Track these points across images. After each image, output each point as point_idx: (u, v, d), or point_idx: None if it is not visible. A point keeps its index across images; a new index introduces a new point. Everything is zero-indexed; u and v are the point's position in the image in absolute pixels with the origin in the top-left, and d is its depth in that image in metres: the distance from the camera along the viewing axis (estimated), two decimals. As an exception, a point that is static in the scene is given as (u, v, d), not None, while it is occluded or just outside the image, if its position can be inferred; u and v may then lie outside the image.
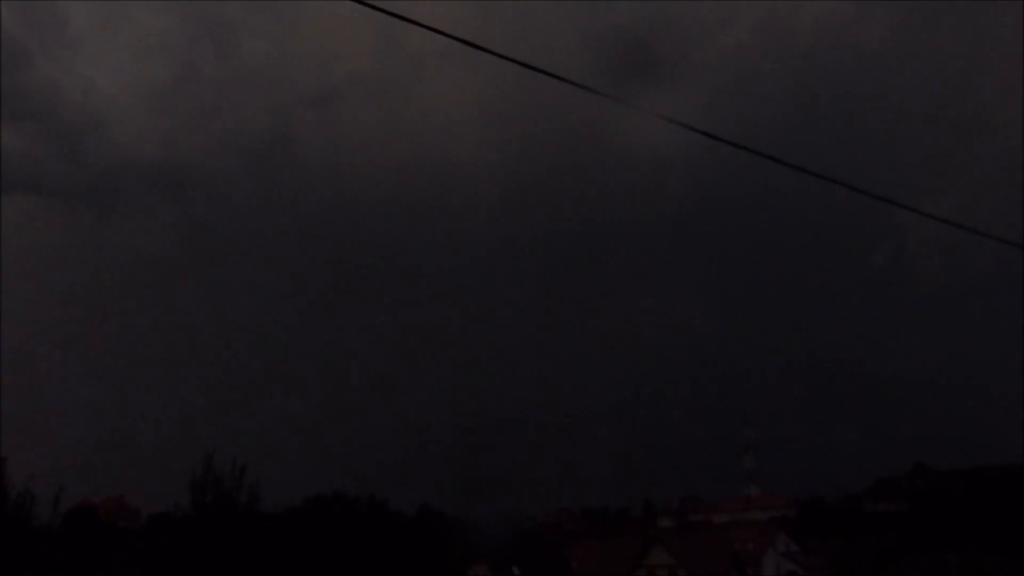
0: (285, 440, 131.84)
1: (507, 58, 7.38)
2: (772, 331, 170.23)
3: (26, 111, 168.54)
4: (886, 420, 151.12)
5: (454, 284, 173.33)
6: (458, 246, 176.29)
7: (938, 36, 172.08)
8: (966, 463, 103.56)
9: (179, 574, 36.31)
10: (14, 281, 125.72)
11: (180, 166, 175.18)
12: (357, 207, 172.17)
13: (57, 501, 35.30)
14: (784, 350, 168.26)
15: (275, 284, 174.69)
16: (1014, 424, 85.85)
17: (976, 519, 79.37)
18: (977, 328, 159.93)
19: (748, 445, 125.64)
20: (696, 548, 70.93)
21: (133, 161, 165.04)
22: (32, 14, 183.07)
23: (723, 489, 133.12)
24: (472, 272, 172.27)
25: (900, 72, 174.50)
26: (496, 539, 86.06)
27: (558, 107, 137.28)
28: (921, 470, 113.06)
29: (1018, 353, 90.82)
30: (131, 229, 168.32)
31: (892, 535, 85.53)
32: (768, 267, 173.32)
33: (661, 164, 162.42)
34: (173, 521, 42.40)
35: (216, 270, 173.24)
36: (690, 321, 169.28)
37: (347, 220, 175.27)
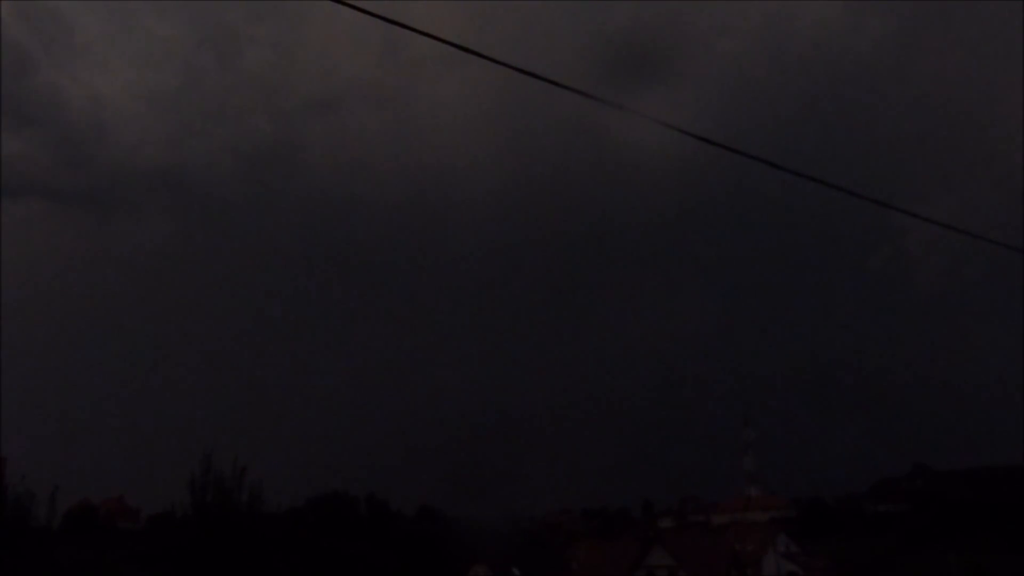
0: (285, 440, 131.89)
1: (506, 64, 7.39)
2: (773, 332, 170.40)
3: (31, 116, 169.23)
4: (886, 421, 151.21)
5: (455, 285, 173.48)
6: (459, 247, 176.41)
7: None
8: (966, 464, 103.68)
9: (179, 574, 36.33)
10: (15, 282, 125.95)
11: (182, 170, 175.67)
12: (358, 208, 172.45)
13: (53, 500, 35.30)
14: (785, 351, 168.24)
15: (275, 285, 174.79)
16: (1014, 425, 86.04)
17: (976, 519, 79.34)
18: (977, 329, 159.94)
19: (748, 445, 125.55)
20: (696, 548, 70.87)
21: (136, 165, 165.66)
22: (38, 21, 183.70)
23: (723, 489, 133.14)
24: (473, 273, 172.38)
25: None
26: (496, 539, 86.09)
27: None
28: (921, 471, 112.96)
29: (1018, 354, 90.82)
30: (132, 231, 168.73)
31: (892, 535, 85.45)
32: (769, 268, 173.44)
33: (662, 166, 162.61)
34: (173, 521, 42.41)
35: (217, 271, 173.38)
36: (691, 322, 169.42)
37: (348, 221, 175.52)
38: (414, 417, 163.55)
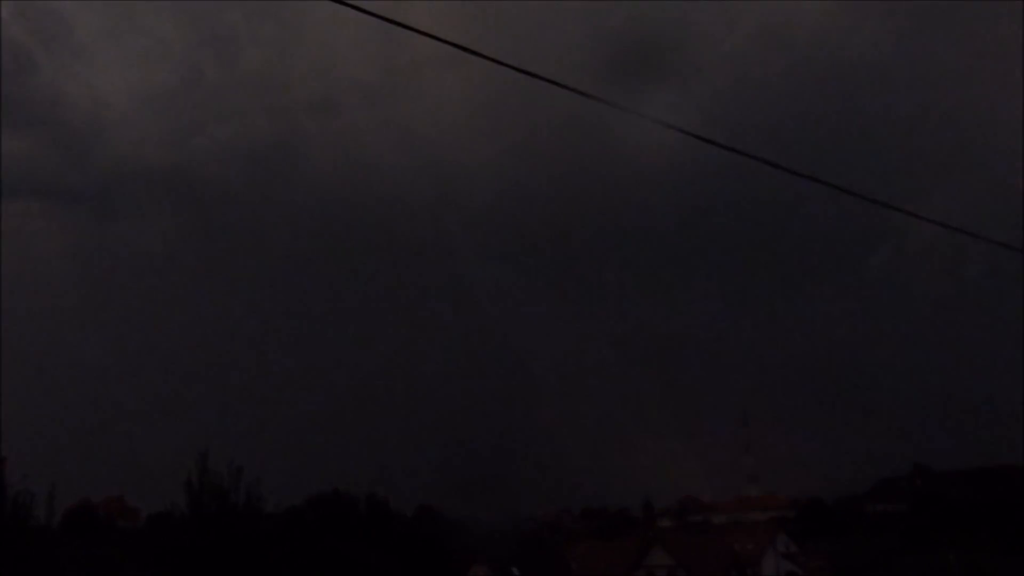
0: (285, 440, 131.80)
1: (507, 64, 7.37)
2: (772, 331, 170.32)
3: (31, 116, 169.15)
4: (886, 420, 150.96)
5: (454, 284, 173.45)
6: (458, 246, 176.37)
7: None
8: (966, 463, 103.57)
9: (179, 574, 36.37)
10: (15, 282, 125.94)
11: (181, 170, 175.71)
12: (358, 209, 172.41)
13: (51, 500, 35.32)
14: (784, 350, 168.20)
15: (276, 284, 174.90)
16: (1014, 424, 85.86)
17: (976, 519, 79.36)
18: (977, 329, 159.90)
19: (748, 445, 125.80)
20: (696, 548, 71.10)
21: (135, 165, 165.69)
22: (38, 21, 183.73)
23: (723, 489, 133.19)
24: (472, 272, 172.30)
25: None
26: (496, 539, 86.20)
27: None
28: (921, 471, 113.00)
29: (1018, 354, 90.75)
30: (132, 232, 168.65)
31: (892, 536, 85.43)
32: (768, 268, 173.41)
33: (661, 167, 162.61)
34: (173, 521, 42.46)
35: (216, 271, 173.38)
36: (690, 321, 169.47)
37: (347, 222, 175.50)
38: (414, 417, 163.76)
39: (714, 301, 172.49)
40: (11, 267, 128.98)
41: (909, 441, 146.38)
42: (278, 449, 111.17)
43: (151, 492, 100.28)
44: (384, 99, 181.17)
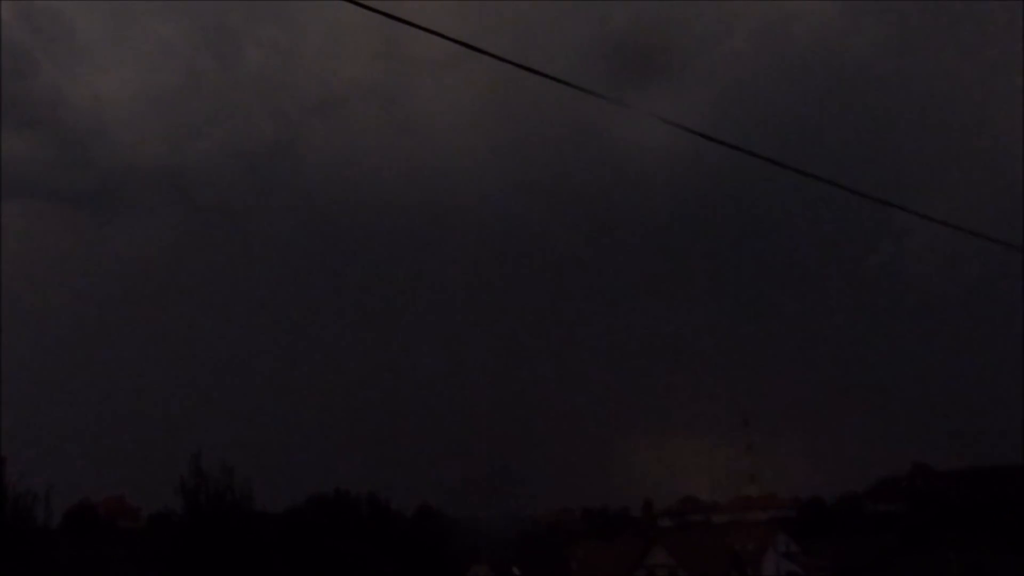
0: (286, 440, 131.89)
1: (508, 61, 7.38)
2: (772, 331, 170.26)
3: (31, 117, 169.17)
4: (886, 420, 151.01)
5: (456, 286, 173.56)
6: (458, 247, 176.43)
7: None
8: (966, 463, 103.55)
9: (178, 574, 36.43)
10: (15, 282, 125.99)
11: (182, 171, 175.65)
12: (357, 209, 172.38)
13: (48, 500, 35.37)
14: (784, 350, 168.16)
15: (276, 283, 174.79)
16: (1014, 424, 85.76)
17: (976, 519, 79.38)
18: (977, 329, 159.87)
19: (748, 445, 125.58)
20: (696, 548, 71.15)
21: (136, 165, 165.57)
22: (38, 22, 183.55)
23: (723, 489, 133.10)
24: (474, 274, 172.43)
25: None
26: (496, 539, 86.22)
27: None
28: (921, 470, 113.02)
29: (1018, 353, 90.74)
30: (132, 232, 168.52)
31: (892, 535, 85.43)
32: (768, 267, 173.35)
33: (661, 166, 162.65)
34: (172, 521, 42.54)
35: (217, 272, 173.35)
36: (690, 321, 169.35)
37: (347, 222, 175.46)
38: (414, 417, 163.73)
39: (714, 301, 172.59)
40: (11, 267, 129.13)
41: (909, 441, 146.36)
42: (279, 449, 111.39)
43: (151, 492, 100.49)
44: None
